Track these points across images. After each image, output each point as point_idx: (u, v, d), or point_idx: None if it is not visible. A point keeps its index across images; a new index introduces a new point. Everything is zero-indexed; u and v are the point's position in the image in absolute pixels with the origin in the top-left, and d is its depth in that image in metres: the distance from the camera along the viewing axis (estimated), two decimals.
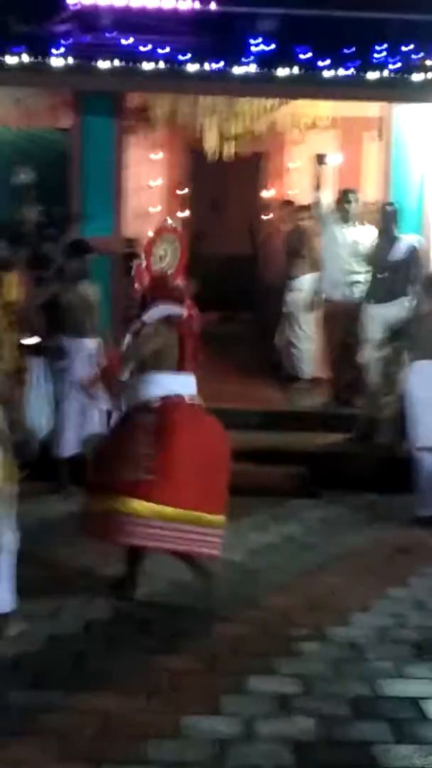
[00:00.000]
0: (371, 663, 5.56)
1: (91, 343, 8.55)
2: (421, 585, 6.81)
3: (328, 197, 10.43)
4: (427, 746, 4.64)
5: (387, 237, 9.72)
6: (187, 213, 14.62)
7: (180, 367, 6.48)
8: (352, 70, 9.06)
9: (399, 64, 9.07)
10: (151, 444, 6.10)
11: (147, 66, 9.31)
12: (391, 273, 9.60)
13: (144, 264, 6.65)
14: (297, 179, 13.41)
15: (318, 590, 6.65)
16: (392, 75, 9.09)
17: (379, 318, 9.56)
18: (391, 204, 9.86)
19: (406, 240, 9.71)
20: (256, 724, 4.78)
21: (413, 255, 9.63)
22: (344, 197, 10.40)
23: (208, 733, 4.67)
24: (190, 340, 6.53)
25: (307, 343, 11.37)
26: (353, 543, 7.66)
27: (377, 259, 9.81)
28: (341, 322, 10.45)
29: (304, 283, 11.25)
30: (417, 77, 9.04)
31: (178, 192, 14.85)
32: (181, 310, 6.51)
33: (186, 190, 14.91)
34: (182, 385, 6.44)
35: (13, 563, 5.68)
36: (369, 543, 7.68)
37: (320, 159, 10.47)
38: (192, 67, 9.27)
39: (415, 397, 8.20)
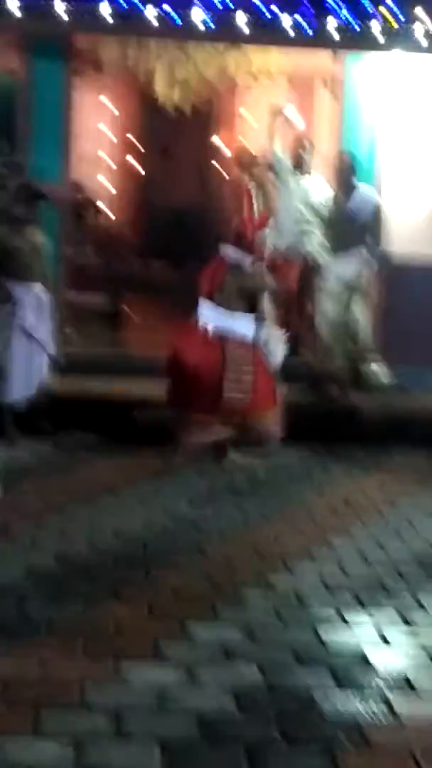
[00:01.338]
0: (313, 610, 5.59)
1: (38, 289, 8.47)
2: (363, 534, 6.86)
3: (281, 147, 10.37)
4: (367, 690, 4.67)
5: (343, 186, 9.67)
6: (134, 159, 14.46)
7: None
8: (304, 19, 8.94)
9: (351, 15, 8.97)
10: None
11: (103, 9, 9.15)
12: (347, 223, 9.56)
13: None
14: (249, 127, 13.30)
15: (261, 539, 6.68)
16: (344, 25, 9.00)
17: (333, 268, 9.55)
18: (346, 153, 9.80)
19: (363, 190, 9.67)
20: (197, 670, 4.79)
21: (370, 205, 9.59)
22: (298, 147, 10.34)
23: (149, 679, 4.67)
24: None
25: None
26: (298, 493, 7.70)
27: (334, 209, 9.77)
28: (291, 273, 10.43)
29: None
30: (369, 27, 8.95)
31: (128, 137, 14.67)
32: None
33: (135, 136, 14.72)
34: None
35: None
36: (313, 493, 7.72)
37: (277, 110, 10.38)
38: (150, 13, 9.11)
39: None
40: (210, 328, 8.00)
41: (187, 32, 9.43)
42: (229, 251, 8.25)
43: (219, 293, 8.05)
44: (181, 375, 7.97)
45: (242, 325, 8.00)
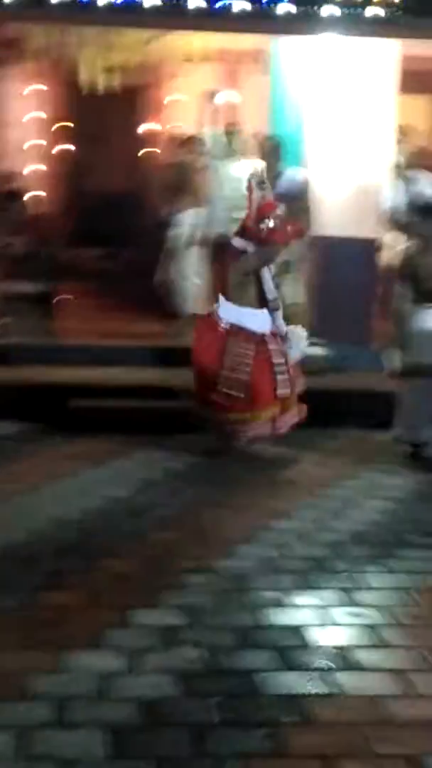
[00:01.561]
0: (256, 593, 5.58)
1: None
2: (304, 516, 6.87)
3: (212, 132, 10.34)
4: (310, 672, 4.68)
5: (271, 170, 9.67)
6: (63, 147, 14.34)
7: None
8: (228, 2, 8.90)
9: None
10: None
11: None
12: None
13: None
14: (178, 112, 13.26)
15: (203, 524, 6.66)
16: (269, 6, 8.97)
17: None
18: (273, 137, 9.79)
19: (290, 173, 9.67)
20: (140, 656, 4.77)
21: (298, 187, 9.59)
22: (227, 132, 10.33)
23: (92, 666, 4.65)
24: None
25: (190, 279, 11.30)
26: (238, 476, 7.69)
27: None
28: (224, 258, 10.42)
29: (188, 218, 11.15)
30: (293, 9, 8.93)
31: (57, 125, 14.54)
32: None
33: (64, 124, 14.59)
34: None
35: None
36: (253, 476, 7.71)
37: (210, 96, 10.34)
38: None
39: None
40: (223, 324, 8.03)
41: (134, 18, 9.32)
42: (235, 241, 8.32)
43: (228, 287, 8.11)
44: (199, 374, 8.13)
45: (254, 320, 8.01)
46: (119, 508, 6.89)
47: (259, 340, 7.98)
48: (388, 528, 6.69)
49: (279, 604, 5.45)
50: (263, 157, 9.81)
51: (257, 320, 8.01)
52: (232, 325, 8.02)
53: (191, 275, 11.26)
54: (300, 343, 8.21)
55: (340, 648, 4.93)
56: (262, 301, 8.03)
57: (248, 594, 5.57)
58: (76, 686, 4.47)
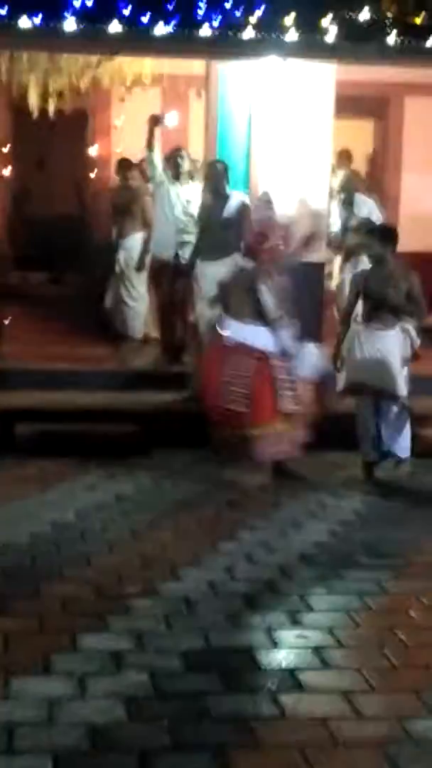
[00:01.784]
0: (203, 616, 5.61)
1: None
2: (249, 538, 6.90)
3: (158, 156, 10.40)
4: (258, 694, 4.71)
5: (218, 195, 9.73)
6: (9, 171, 14.33)
7: None
8: (174, 27, 8.96)
9: (220, 21, 9.01)
10: None
11: None
12: (222, 230, 9.62)
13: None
14: (124, 137, 13.32)
15: (149, 547, 6.68)
16: (215, 32, 9.05)
17: (210, 275, 9.59)
18: (220, 161, 9.86)
19: (237, 197, 9.74)
20: (88, 681, 4.77)
21: (244, 212, 9.66)
22: (174, 156, 10.39)
23: (39, 692, 4.64)
24: None
25: (138, 302, 11.34)
26: (184, 499, 7.72)
27: (209, 216, 9.83)
28: (170, 281, 10.48)
29: (135, 241, 11.20)
30: (239, 34, 9.02)
31: (2, 150, 14.56)
32: None
33: (8, 148, 14.59)
34: None
35: None
36: (199, 499, 7.74)
37: (157, 120, 10.40)
38: (20, 23, 9.02)
39: None
40: (227, 341, 8.09)
41: (59, 42, 9.35)
42: (238, 260, 8.55)
43: (231, 305, 8.21)
44: (204, 390, 8.21)
45: (255, 336, 8.05)
46: (66, 532, 6.89)
47: (260, 355, 8.01)
48: (334, 549, 6.75)
49: (226, 626, 5.48)
50: (208, 181, 9.88)
51: (258, 336, 8.06)
52: (236, 342, 8.08)
53: (139, 298, 11.31)
54: (312, 360, 8.20)
55: (286, 670, 4.96)
56: (261, 317, 8.07)
57: (195, 617, 5.60)
58: (22, 712, 4.47)
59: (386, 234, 8.52)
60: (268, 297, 8.03)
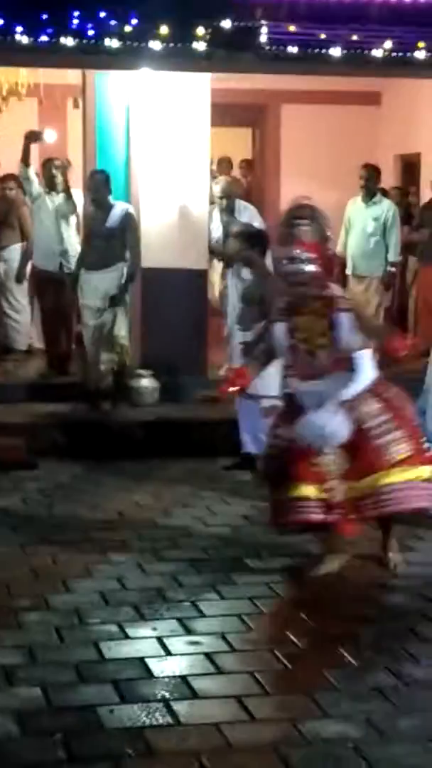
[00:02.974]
0: (95, 627, 5.59)
1: None
2: (140, 547, 6.90)
3: (34, 168, 10.36)
4: (152, 703, 4.71)
5: (99, 205, 9.72)
6: None
7: None
8: (46, 37, 8.92)
9: (94, 31, 9.00)
10: None
11: None
12: (105, 240, 9.61)
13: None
14: (0, 148, 13.19)
15: (39, 561, 6.62)
16: (88, 42, 9.04)
17: (94, 285, 9.60)
18: (101, 171, 9.84)
19: (120, 207, 9.74)
20: None
21: (127, 221, 9.67)
22: (47, 167, 10.37)
23: None
24: None
25: (20, 313, 11.27)
26: (72, 511, 7.68)
27: (91, 226, 9.82)
28: (53, 292, 10.44)
29: (14, 252, 11.13)
30: (113, 44, 9.03)
31: None
32: None
33: None
34: None
35: None
36: (88, 510, 7.72)
37: (35, 136, 10.33)
38: None
39: None
40: None
41: None
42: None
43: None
44: None
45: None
46: None
47: None
48: (223, 554, 6.78)
49: (118, 636, 5.47)
50: (89, 192, 9.87)
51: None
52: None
53: (21, 309, 11.23)
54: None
55: (179, 677, 4.97)
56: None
57: (87, 628, 5.58)
58: None
59: (255, 238, 8.61)
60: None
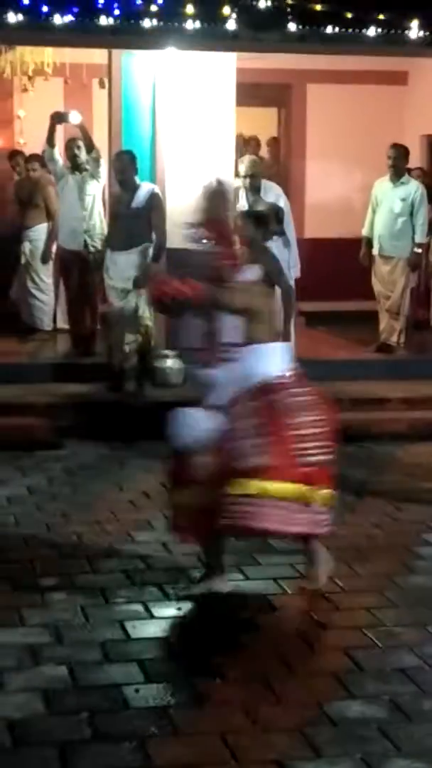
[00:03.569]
0: (120, 607, 5.62)
1: None
2: (165, 526, 6.88)
3: (59, 149, 10.35)
4: (176, 680, 4.74)
5: (125, 185, 9.69)
6: None
7: None
8: (74, 16, 8.90)
9: (120, 11, 8.98)
10: None
11: None
12: (131, 220, 9.59)
13: None
14: (27, 128, 13.21)
15: (65, 539, 6.66)
16: (116, 21, 9.01)
17: (120, 265, 9.58)
18: (127, 152, 9.82)
19: (146, 187, 9.71)
20: (5, 676, 4.76)
21: (153, 201, 9.64)
22: (70, 147, 10.35)
23: None
24: None
25: (46, 293, 11.29)
26: (98, 491, 7.71)
27: (117, 207, 9.80)
28: (78, 271, 10.44)
29: (40, 233, 11.15)
30: (141, 23, 9.00)
31: None
32: None
33: None
34: None
35: None
36: (113, 490, 7.74)
37: (59, 117, 10.31)
38: None
39: None
40: None
41: None
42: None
43: None
44: None
45: None
46: None
47: None
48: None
49: (143, 616, 5.49)
50: (115, 172, 9.84)
51: None
52: None
53: (46, 290, 11.25)
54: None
55: (204, 657, 4.99)
56: None
57: (112, 608, 5.61)
58: None
59: (260, 219, 8.53)
60: None
